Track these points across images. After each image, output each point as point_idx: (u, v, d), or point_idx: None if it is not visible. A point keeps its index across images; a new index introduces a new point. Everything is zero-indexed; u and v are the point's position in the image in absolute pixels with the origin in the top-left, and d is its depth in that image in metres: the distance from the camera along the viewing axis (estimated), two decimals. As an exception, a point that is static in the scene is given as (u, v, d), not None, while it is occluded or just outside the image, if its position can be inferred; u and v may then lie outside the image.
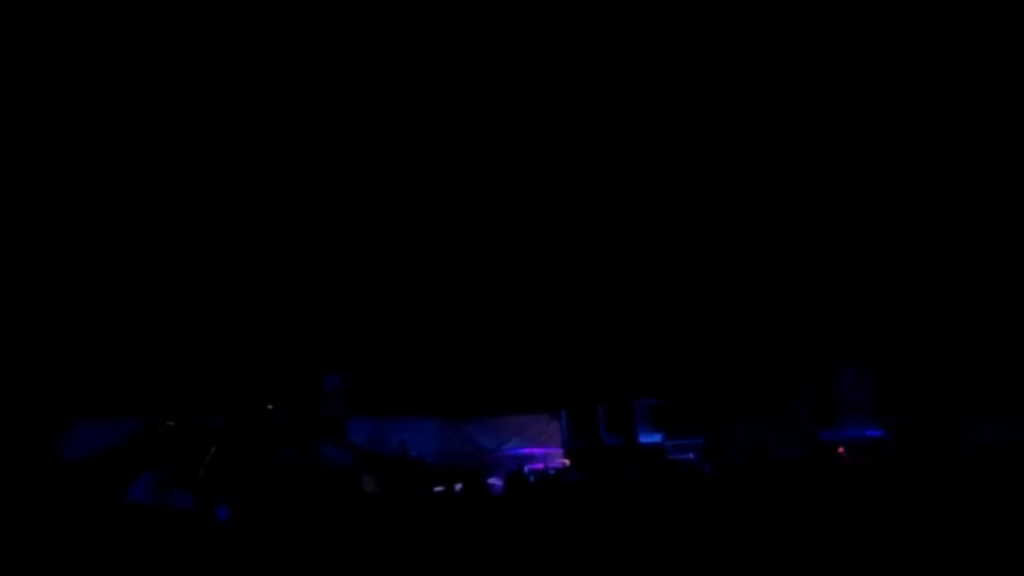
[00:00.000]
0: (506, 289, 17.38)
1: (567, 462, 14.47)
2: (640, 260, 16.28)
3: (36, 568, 7.47)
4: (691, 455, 14.17)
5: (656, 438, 14.89)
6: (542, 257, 16.90)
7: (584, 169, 15.00)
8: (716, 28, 11.52)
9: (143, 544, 9.10)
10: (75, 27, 9.97)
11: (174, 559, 8.53)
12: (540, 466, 15.21)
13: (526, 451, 16.16)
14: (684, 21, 11.49)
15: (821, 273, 15.11)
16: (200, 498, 11.27)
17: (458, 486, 13.98)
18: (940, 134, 13.31)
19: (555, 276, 17.00)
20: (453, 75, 12.33)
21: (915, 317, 14.39)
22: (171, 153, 12.60)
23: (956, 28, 11.20)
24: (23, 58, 10.19)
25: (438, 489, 14.18)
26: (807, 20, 11.37)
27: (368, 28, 11.26)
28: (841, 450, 12.98)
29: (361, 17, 10.96)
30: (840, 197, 14.50)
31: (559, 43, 11.87)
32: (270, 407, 14.03)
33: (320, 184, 15.14)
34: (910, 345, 14.31)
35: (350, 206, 16.09)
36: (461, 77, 12.42)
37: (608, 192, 15.62)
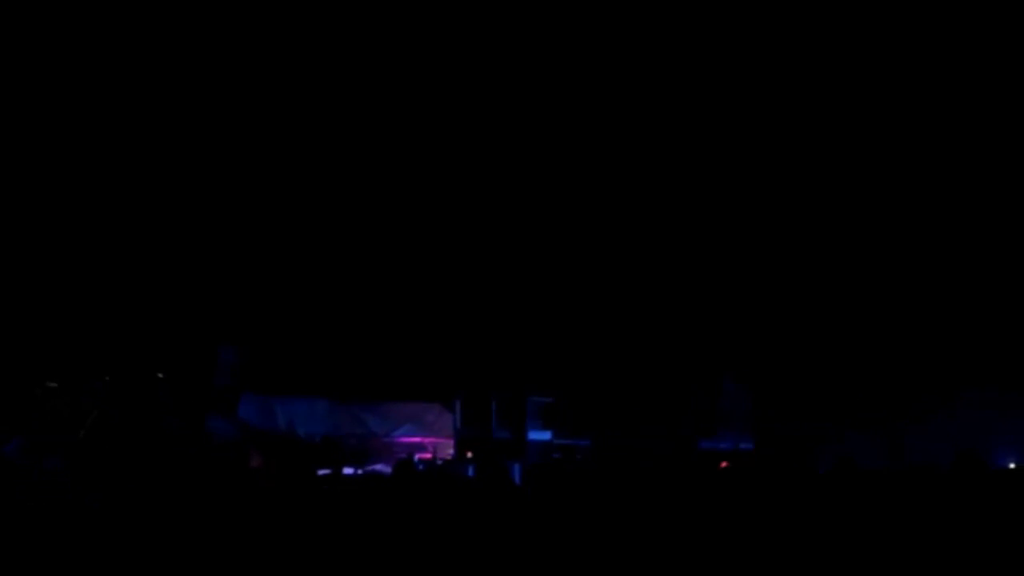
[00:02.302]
0: (409, 276, 17.39)
1: (470, 454, 14.59)
2: (540, 265, 16.57)
3: None
4: (578, 456, 14.52)
5: (545, 436, 15.20)
6: (449, 249, 16.99)
7: (486, 164, 15.16)
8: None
9: (12, 504, 8.83)
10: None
11: (43, 522, 8.31)
12: (430, 456, 15.30)
13: (417, 439, 16.21)
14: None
15: (710, 288, 15.70)
16: (75, 461, 10.96)
17: (347, 470, 13.96)
18: (813, 162, 14.00)
19: (460, 269, 17.11)
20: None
21: (796, 337, 15.12)
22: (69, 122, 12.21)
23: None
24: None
25: (323, 472, 14.11)
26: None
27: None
28: (724, 464, 13.54)
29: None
30: (733, 217, 15.09)
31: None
32: (159, 375, 13.68)
33: (222, 154, 14.86)
34: (789, 362, 15.05)
35: (254, 177, 15.82)
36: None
37: (512, 190, 15.83)
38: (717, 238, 15.49)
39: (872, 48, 12.47)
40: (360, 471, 14.54)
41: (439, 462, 14.87)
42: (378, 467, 14.97)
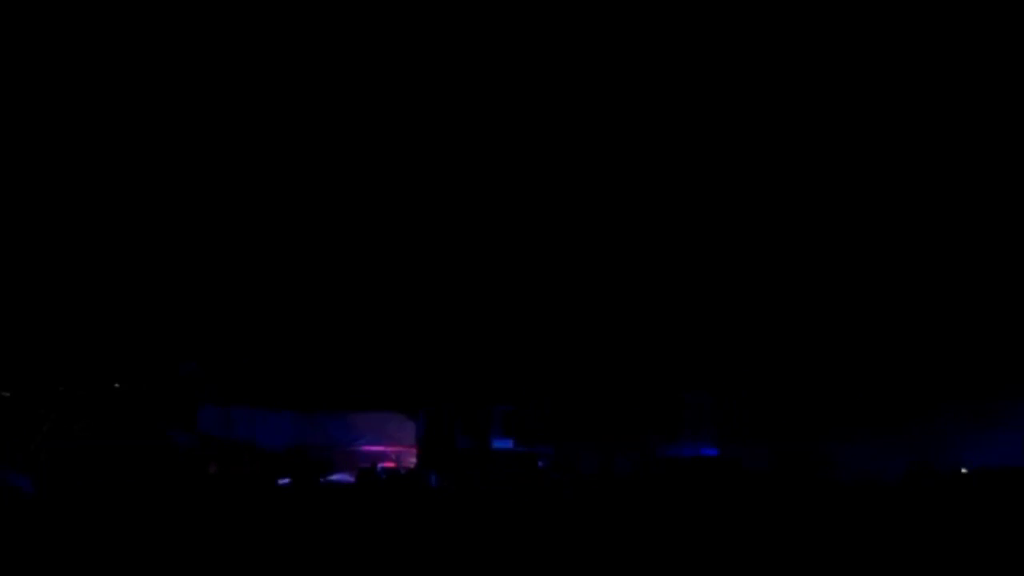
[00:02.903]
0: (370, 288, 17.33)
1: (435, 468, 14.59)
2: (502, 276, 16.62)
3: None
4: (540, 463, 14.57)
5: (507, 444, 15.25)
6: (410, 260, 16.98)
7: (447, 177, 15.20)
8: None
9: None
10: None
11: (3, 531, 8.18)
12: (393, 464, 15.25)
13: (380, 448, 16.15)
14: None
15: (672, 297, 15.86)
16: (29, 471, 10.76)
17: (317, 479, 13.88)
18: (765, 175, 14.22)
19: (421, 280, 17.10)
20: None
21: (759, 343, 15.31)
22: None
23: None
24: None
25: (283, 481, 14.01)
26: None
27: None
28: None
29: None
30: (693, 224, 15.26)
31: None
32: (117, 386, 13.49)
33: (179, 168, 14.72)
34: (751, 375, 15.23)
35: (211, 189, 15.69)
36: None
37: (471, 206, 15.89)
38: (677, 246, 15.66)
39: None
40: (323, 480, 14.45)
41: (402, 471, 14.84)
42: (341, 476, 14.89)
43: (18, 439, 11.72)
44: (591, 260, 16.05)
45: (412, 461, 15.59)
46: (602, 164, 14.97)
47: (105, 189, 14.66)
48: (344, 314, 17.50)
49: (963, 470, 12.59)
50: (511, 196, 15.64)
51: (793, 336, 15.07)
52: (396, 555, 7.99)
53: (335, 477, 14.87)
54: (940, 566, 6.31)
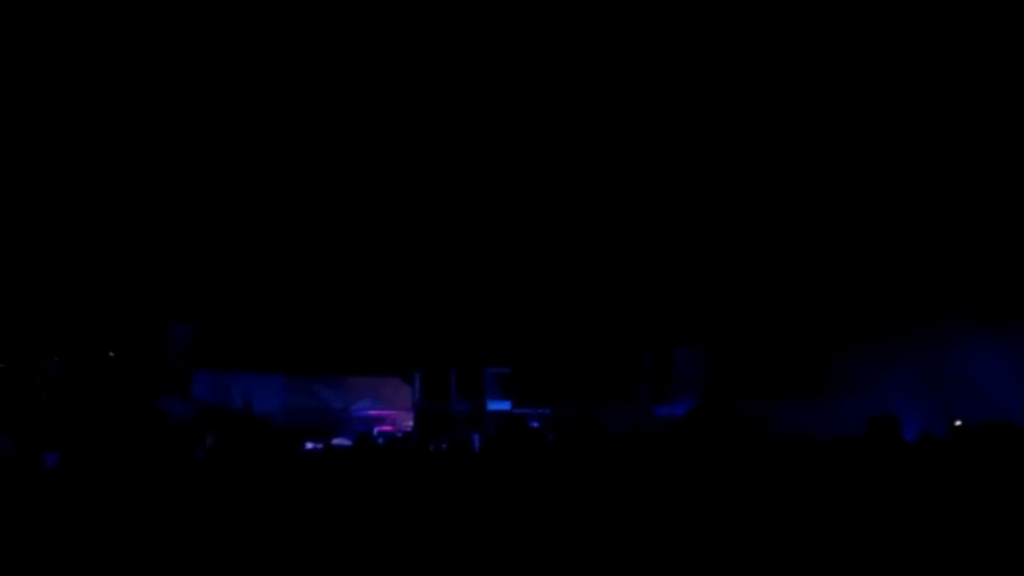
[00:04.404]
0: (365, 249, 17.25)
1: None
2: (496, 236, 16.55)
3: None
4: (535, 423, 14.64)
5: (504, 406, 15.30)
6: (404, 222, 16.87)
7: (439, 139, 15.06)
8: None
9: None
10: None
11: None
12: (390, 428, 15.31)
13: (376, 413, 16.19)
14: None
15: (662, 256, 15.84)
16: (27, 444, 10.74)
17: (308, 445, 13.89)
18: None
19: (414, 242, 17.02)
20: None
21: (749, 302, 15.32)
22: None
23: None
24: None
25: (283, 447, 14.03)
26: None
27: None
28: None
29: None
30: (681, 185, 15.19)
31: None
32: (111, 354, 13.45)
33: (172, 131, 14.54)
34: (742, 328, 15.27)
35: (203, 151, 15.51)
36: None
37: (465, 165, 15.76)
38: (665, 205, 15.59)
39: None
40: (320, 446, 14.49)
41: (399, 434, 14.89)
42: (339, 441, 14.94)
43: (16, 411, 11.71)
44: (581, 220, 15.98)
45: (409, 424, 15.66)
46: (588, 126, 14.84)
47: (97, 157, 14.49)
48: (338, 277, 17.43)
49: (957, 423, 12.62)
50: (500, 159, 15.51)
51: (787, 288, 15.06)
52: (396, 519, 8.02)
53: (334, 442, 14.92)
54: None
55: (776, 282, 15.17)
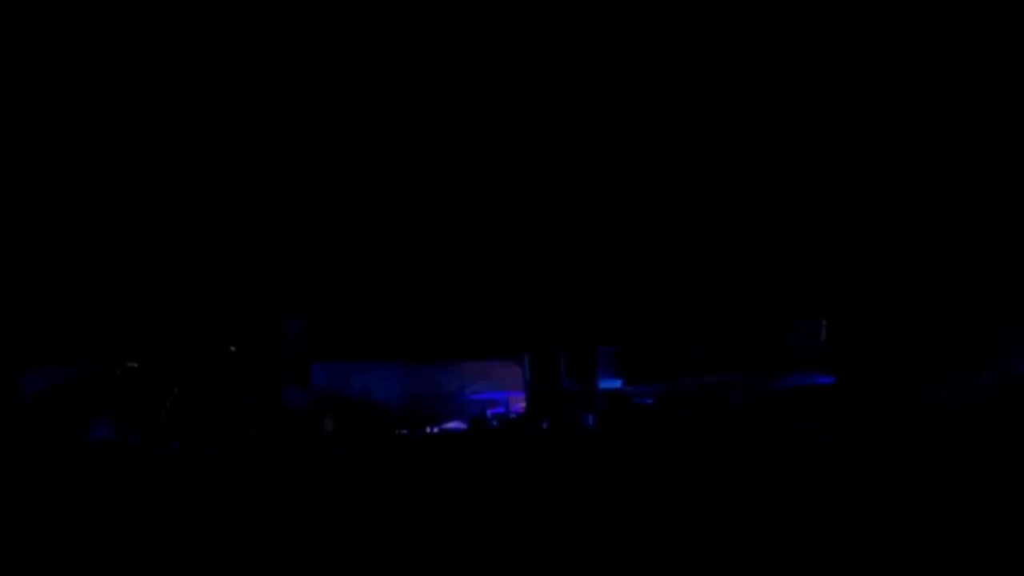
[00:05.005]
0: (472, 235, 17.35)
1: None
2: (602, 214, 16.33)
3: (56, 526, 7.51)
4: (649, 400, 14.44)
5: (616, 384, 15.13)
6: (511, 205, 16.88)
7: (541, 118, 14.94)
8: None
9: (105, 482, 9.15)
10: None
11: (134, 496, 8.60)
12: (502, 410, 15.40)
13: (488, 395, 16.30)
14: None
15: (779, 224, 15.28)
16: (159, 438, 11.32)
17: (428, 429, 14.16)
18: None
19: (521, 224, 17.00)
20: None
21: (872, 272, 14.64)
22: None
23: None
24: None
25: (402, 432, 14.34)
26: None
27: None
28: None
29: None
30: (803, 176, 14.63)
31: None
32: (232, 349, 14.01)
33: (275, 132, 14.94)
34: (866, 299, 14.59)
35: (312, 151, 15.89)
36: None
37: (572, 149, 15.60)
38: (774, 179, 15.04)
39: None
40: (436, 430, 14.72)
41: (512, 416, 14.96)
42: (454, 424, 15.16)
43: (148, 407, 12.34)
44: (691, 197, 15.60)
45: (521, 405, 15.70)
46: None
47: (207, 154, 15.03)
48: (447, 265, 17.62)
49: None
50: (600, 137, 15.29)
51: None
52: (515, 498, 8.05)
53: (449, 426, 15.14)
54: None
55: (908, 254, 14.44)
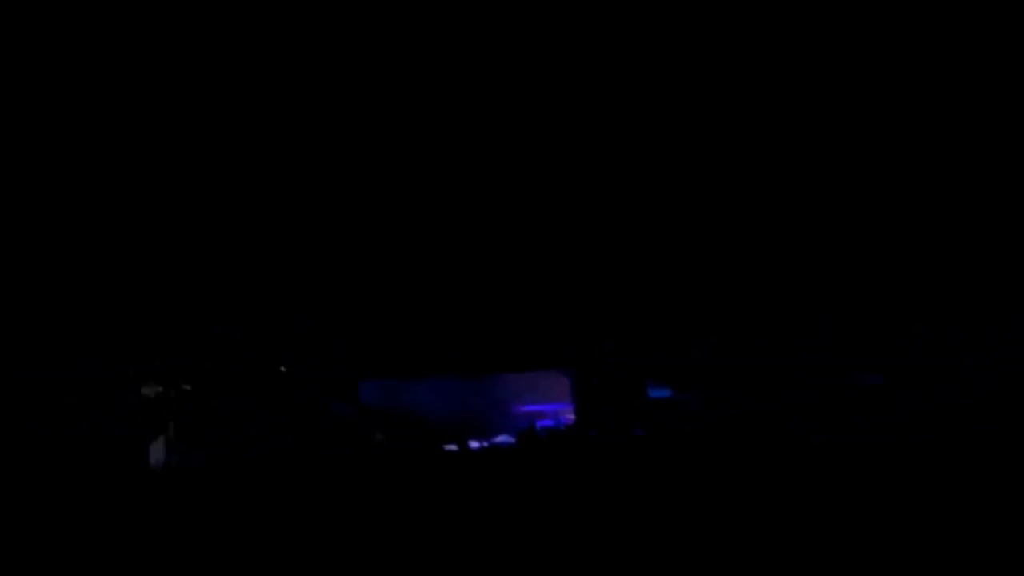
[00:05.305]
0: (520, 249, 17.34)
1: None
2: (655, 226, 16.19)
3: (68, 527, 7.61)
4: (693, 407, 14.28)
5: (664, 393, 15.00)
6: (560, 219, 16.83)
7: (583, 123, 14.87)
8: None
9: (165, 501, 9.26)
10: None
11: (193, 515, 8.67)
12: (551, 422, 15.31)
13: (537, 407, 16.24)
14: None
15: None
16: (213, 455, 11.43)
17: (473, 443, 14.12)
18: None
19: (571, 237, 16.94)
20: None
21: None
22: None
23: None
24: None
25: (450, 447, 14.32)
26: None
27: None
28: None
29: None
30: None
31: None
32: (282, 368, 14.15)
33: (320, 153, 15.07)
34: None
35: (364, 173, 16.02)
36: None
37: (619, 155, 15.50)
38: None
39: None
40: (485, 443, 14.67)
41: (561, 427, 14.86)
42: (504, 438, 15.09)
43: (197, 427, 12.49)
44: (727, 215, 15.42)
45: (570, 416, 15.60)
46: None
47: (258, 183, 15.23)
48: (491, 276, 17.62)
49: None
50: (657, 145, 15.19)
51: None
52: (565, 509, 7.97)
53: (498, 439, 15.09)
54: None
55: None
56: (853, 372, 13.49)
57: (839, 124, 14.16)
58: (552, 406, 16.23)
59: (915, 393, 12.30)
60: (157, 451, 11.73)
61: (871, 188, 13.84)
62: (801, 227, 15.18)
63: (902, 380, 12.65)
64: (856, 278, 14.43)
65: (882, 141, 13.59)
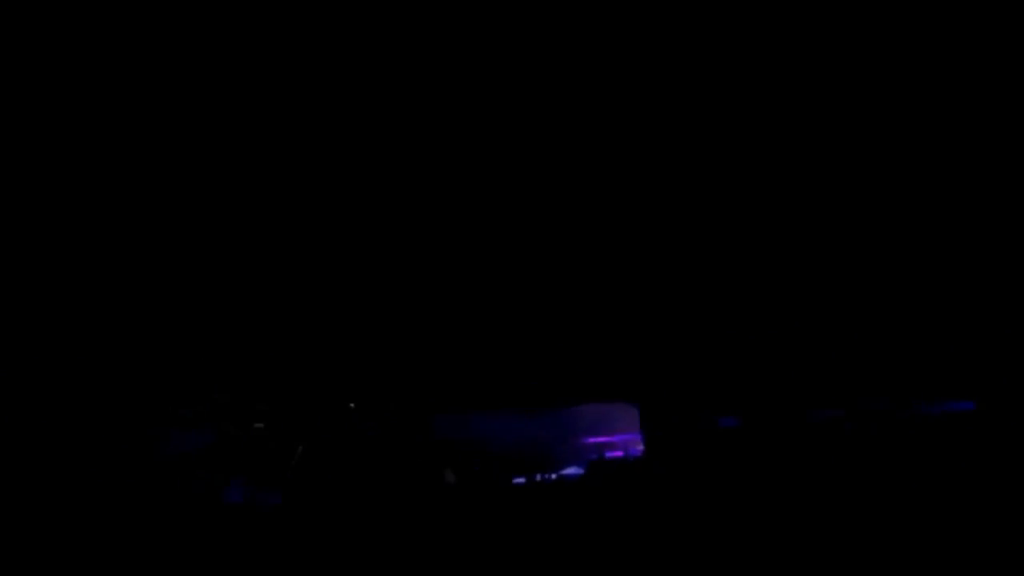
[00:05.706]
0: (587, 281, 17.44)
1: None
2: (708, 255, 16.10)
3: (136, 568, 7.99)
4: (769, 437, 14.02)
5: (731, 423, 14.80)
6: (625, 253, 16.89)
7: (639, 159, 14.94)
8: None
9: (239, 542, 9.62)
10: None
11: (265, 555, 8.99)
12: (620, 453, 15.28)
13: (605, 439, 16.23)
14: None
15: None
16: (289, 496, 11.80)
17: (538, 476, 14.19)
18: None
19: (638, 270, 16.97)
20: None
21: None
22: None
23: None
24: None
25: (519, 480, 14.42)
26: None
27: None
28: None
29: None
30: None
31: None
32: (352, 406, 14.51)
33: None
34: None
35: (432, 211, 16.39)
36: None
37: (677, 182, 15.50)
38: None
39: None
40: (554, 476, 14.72)
41: (630, 459, 14.80)
42: (573, 470, 15.12)
43: (272, 466, 12.90)
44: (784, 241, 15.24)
45: (639, 448, 15.53)
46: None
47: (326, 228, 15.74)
48: (558, 311, 17.75)
49: None
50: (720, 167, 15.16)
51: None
52: (631, 540, 8.00)
53: (567, 472, 15.13)
54: None
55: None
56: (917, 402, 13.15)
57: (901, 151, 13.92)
58: (621, 436, 16.19)
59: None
60: (235, 491, 12.17)
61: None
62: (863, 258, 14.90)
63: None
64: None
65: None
